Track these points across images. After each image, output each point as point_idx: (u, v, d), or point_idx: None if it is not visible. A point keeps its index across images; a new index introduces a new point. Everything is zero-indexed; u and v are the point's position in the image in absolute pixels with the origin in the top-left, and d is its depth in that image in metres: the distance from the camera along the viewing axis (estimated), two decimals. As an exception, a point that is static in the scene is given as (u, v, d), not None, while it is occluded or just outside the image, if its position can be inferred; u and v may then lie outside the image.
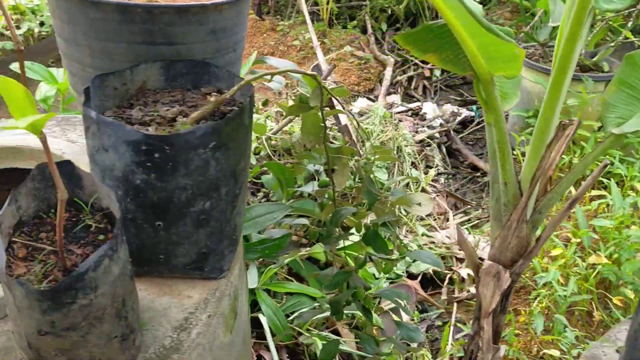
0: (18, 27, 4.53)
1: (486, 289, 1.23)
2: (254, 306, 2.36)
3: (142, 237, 1.07)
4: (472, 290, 2.48)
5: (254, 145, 3.03)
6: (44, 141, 0.76)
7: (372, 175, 1.40)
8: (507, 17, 5.36)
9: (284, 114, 3.40)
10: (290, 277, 2.57)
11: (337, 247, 2.54)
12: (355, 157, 1.40)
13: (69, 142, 1.53)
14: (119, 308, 0.89)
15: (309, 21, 3.76)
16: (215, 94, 1.19)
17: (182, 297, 1.12)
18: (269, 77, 1.34)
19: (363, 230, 1.41)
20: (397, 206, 1.41)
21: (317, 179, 2.85)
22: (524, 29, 4.48)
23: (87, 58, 1.22)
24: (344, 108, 1.28)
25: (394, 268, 2.40)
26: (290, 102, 3.59)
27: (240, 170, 1.12)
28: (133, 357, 0.98)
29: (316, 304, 2.42)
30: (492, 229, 1.26)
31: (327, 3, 4.88)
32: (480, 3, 5.44)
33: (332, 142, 2.96)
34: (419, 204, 1.39)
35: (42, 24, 4.72)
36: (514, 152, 3.52)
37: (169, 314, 1.08)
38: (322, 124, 1.31)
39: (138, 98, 1.19)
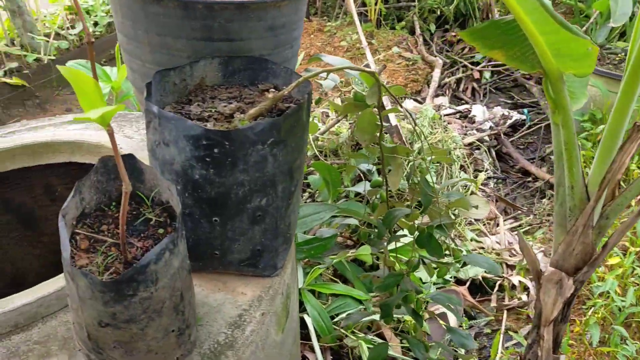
0: (73, 27, 4.67)
1: (547, 297, 1.18)
2: (299, 306, 2.35)
3: (198, 233, 1.07)
4: (524, 297, 2.41)
5: (300, 145, 3.03)
6: (111, 133, 0.76)
7: (427, 176, 1.37)
8: (561, 18, 5.20)
9: (333, 113, 3.39)
10: (335, 279, 2.55)
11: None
12: (409, 158, 1.38)
13: (126, 138, 1.55)
14: (177, 302, 0.89)
15: (357, 22, 3.75)
16: (273, 90, 1.18)
17: (236, 294, 1.11)
18: (324, 74, 1.32)
19: (416, 233, 1.37)
20: (452, 209, 1.37)
21: (364, 179, 2.83)
22: (579, 31, 4.34)
23: (147, 54, 1.23)
24: (401, 107, 1.25)
25: (442, 272, 2.34)
26: (337, 101, 3.57)
27: (297, 167, 1.11)
28: (188, 352, 0.98)
29: (361, 307, 2.39)
30: (556, 234, 1.21)
31: (375, 4, 4.85)
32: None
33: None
34: (476, 207, 1.35)
35: (95, 24, 4.86)
36: (568, 157, 3.41)
37: (223, 310, 1.07)
38: (378, 123, 1.29)
39: (196, 94, 1.19)
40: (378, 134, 1.32)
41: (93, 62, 0.74)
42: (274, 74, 1.23)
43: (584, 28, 4.37)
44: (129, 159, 0.95)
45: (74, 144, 1.50)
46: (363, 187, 1.52)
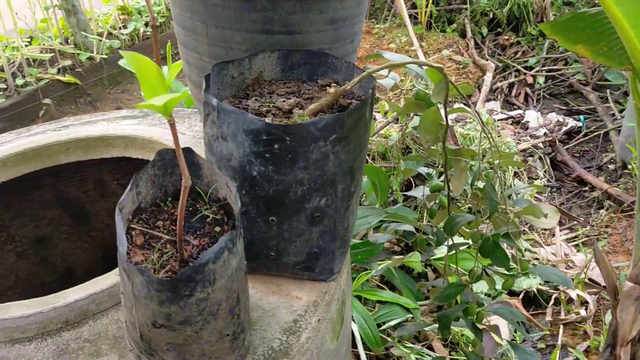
0: (125, 27, 4.75)
1: (625, 314, 1.08)
2: (344, 312, 2.30)
3: (253, 232, 1.02)
4: (582, 312, 2.28)
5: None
6: (172, 124, 0.72)
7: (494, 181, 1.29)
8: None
9: (382, 116, 3.32)
10: (382, 285, 2.48)
11: (435, 257, 2.43)
12: (473, 161, 1.30)
13: (179, 134, 1.52)
14: (233, 305, 0.84)
15: (408, 23, 3.67)
16: (335, 85, 1.13)
17: (291, 298, 1.06)
18: (384, 72, 1.27)
19: (480, 241, 1.29)
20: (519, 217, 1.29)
21: (414, 185, 2.75)
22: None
23: (204, 47, 1.19)
24: (469, 106, 1.18)
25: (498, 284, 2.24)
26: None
27: (357, 167, 1.05)
28: (242, 357, 0.93)
29: (409, 315, 2.32)
30: (636, 246, 1.12)
31: (426, 6, 4.76)
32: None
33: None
34: (545, 216, 1.27)
35: (147, 24, 4.92)
36: (629, 167, 3.24)
37: (278, 315, 1.02)
38: (443, 122, 1.22)
39: (254, 88, 1.15)
40: (441, 135, 1.25)
41: (157, 45, 0.70)
42: (335, 69, 1.17)
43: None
44: (187, 152, 0.91)
45: (127, 138, 1.48)
46: (422, 192, 1.45)
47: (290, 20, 1.13)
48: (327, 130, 0.93)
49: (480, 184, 1.36)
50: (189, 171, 0.90)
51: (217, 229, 0.89)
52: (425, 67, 1.14)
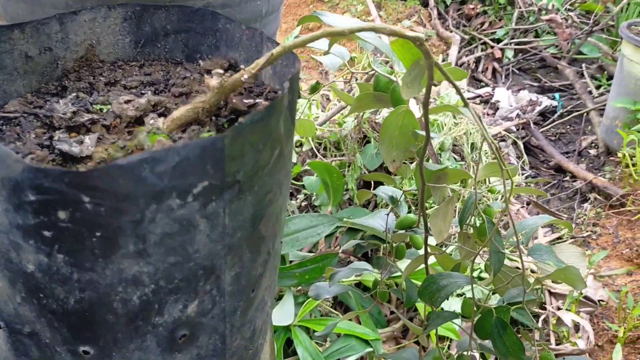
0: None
1: None
2: (289, 346, 1.84)
3: (55, 370, 0.51)
4: (580, 343, 1.85)
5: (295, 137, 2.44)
6: None
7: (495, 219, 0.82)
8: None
9: (336, 100, 2.81)
10: (335, 311, 2.02)
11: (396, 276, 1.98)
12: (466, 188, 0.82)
13: None
14: None
15: (364, -12, 3.15)
16: (221, 72, 0.61)
17: None
18: (320, 45, 0.77)
19: (475, 313, 0.82)
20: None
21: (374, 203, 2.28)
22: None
23: (-8, 0, 0.66)
24: (464, 100, 0.69)
25: None
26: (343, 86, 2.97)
27: (268, 232, 0.55)
28: None
29: (369, 349, 1.86)
30: None
31: (384, -30, 4.24)
32: None
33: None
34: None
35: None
36: (618, 154, 2.84)
37: None
38: (418, 131, 0.73)
39: (79, 76, 0.63)
40: (415, 150, 0.76)
41: None
42: (230, 41, 0.66)
43: None
44: None
45: None
46: (382, 222, 0.97)
47: (143, -51, 0.61)
48: (183, 175, 0.42)
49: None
50: None
51: None
52: (390, 38, 0.64)
